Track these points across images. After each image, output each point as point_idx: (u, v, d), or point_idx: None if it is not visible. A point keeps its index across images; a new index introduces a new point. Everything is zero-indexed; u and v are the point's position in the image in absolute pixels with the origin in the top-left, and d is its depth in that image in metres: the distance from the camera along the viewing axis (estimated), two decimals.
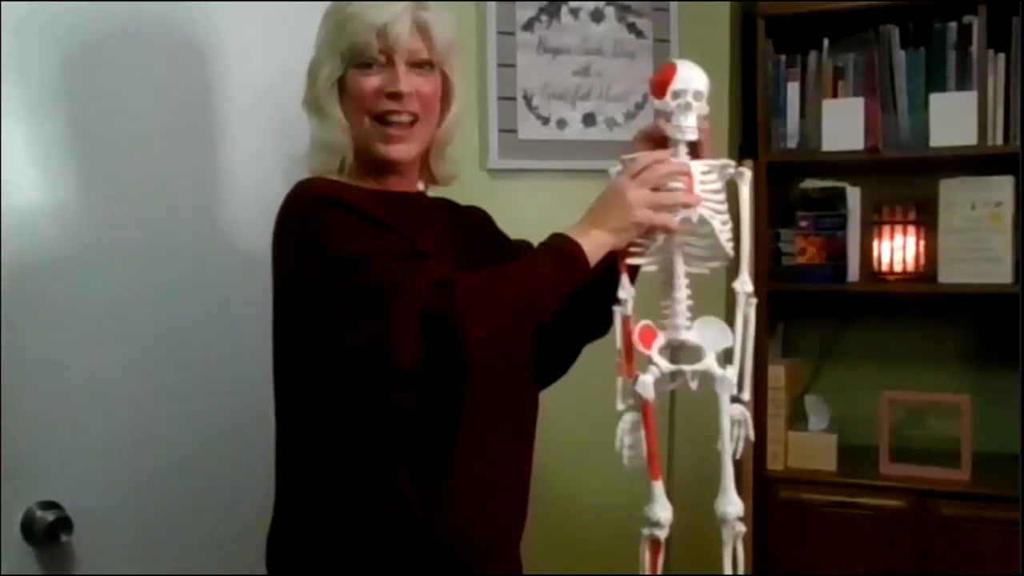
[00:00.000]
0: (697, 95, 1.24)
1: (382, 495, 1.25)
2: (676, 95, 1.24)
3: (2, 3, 1.37)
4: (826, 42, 2.53)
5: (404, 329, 1.11)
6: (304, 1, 1.36)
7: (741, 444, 1.26)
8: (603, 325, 1.38)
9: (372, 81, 1.29)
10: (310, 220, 1.22)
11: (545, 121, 2.38)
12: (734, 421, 1.24)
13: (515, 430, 1.38)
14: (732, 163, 1.28)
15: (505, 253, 1.36)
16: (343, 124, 1.31)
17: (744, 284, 1.26)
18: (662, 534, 1.21)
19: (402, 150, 1.32)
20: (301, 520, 1.31)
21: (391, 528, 1.25)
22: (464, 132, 2.28)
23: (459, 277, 1.16)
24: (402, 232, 1.23)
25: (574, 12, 2.39)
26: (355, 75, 1.29)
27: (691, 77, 1.25)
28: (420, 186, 1.43)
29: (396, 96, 1.28)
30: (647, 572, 1.22)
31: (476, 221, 1.47)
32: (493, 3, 2.33)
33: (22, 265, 1.40)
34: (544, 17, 2.37)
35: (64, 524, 1.42)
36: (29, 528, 1.40)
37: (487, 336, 1.13)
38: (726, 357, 1.25)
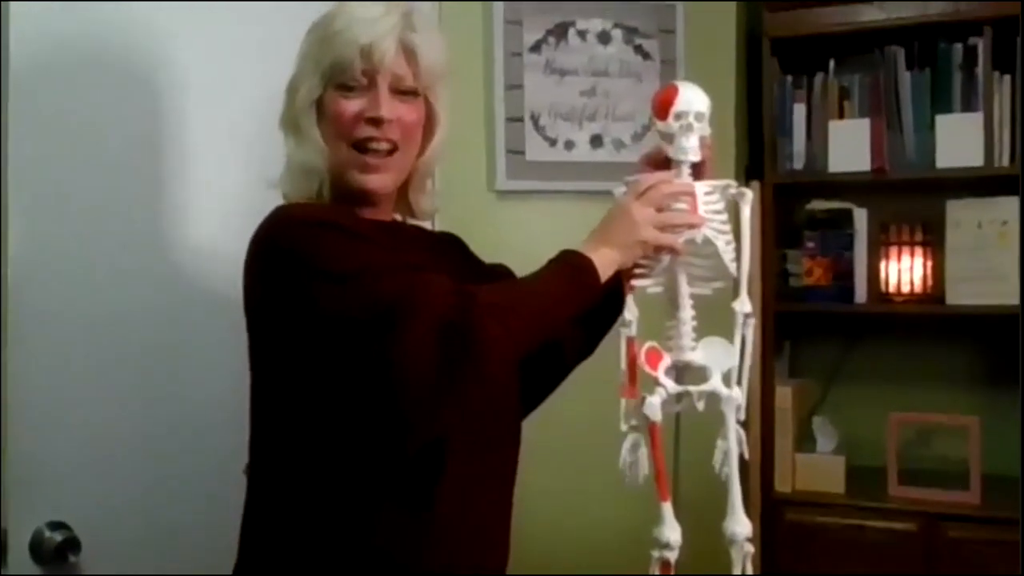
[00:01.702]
0: (699, 116, 1.25)
1: (365, 532, 1.19)
2: (678, 116, 1.24)
3: None
4: (832, 63, 2.54)
5: (422, 339, 1.07)
6: (273, 2, 1.32)
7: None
8: (590, 347, 1.39)
9: (352, 104, 1.23)
10: (299, 243, 1.15)
11: (552, 142, 2.39)
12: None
13: (500, 461, 1.34)
14: (734, 183, 1.28)
15: (484, 276, 1.34)
16: (321, 146, 1.24)
17: (743, 304, 1.26)
18: (672, 556, 1.20)
19: (379, 180, 1.25)
20: (273, 558, 1.24)
21: (372, 565, 1.20)
22: (471, 153, 2.33)
23: (475, 288, 1.13)
24: (393, 249, 1.20)
25: (581, 34, 2.40)
26: (335, 96, 1.23)
27: (693, 98, 1.25)
28: (397, 218, 1.38)
29: (376, 122, 1.22)
30: None
31: (451, 246, 1.44)
32: (501, 24, 2.35)
33: (28, 287, 1.41)
34: (551, 39, 2.39)
35: (72, 544, 1.42)
36: (37, 548, 1.41)
37: (505, 344, 1.11)
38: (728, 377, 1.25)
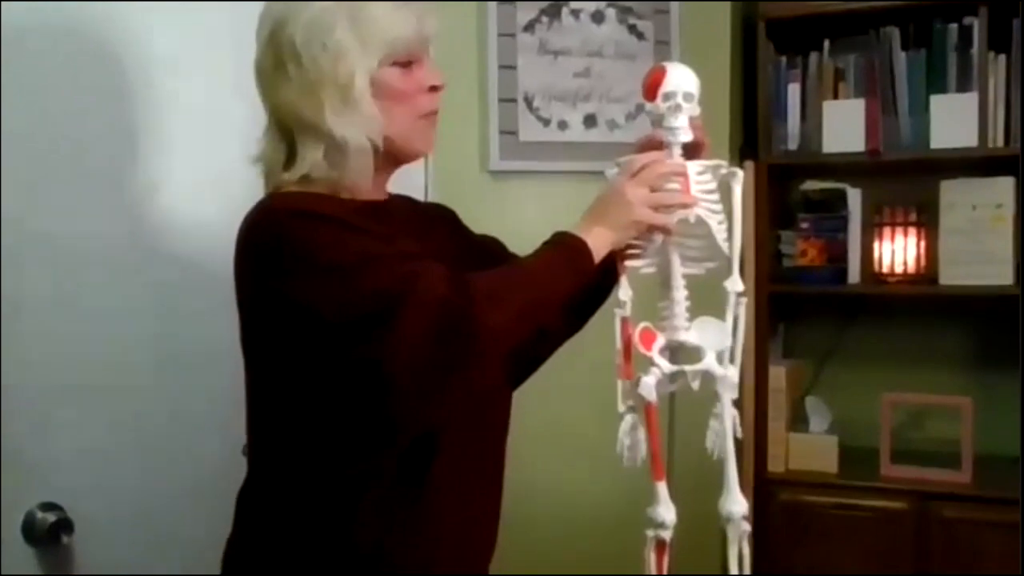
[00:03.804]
0: (687, 96, 1.25)
1: (355, 516, 1.20)
2: (666, 97, 1.25)
3: None
4: (827, 44, 2.54)
5: (419, 329, 1.07)
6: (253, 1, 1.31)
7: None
8: (578, 326, 1.40)
9: (415, 78, 1.25)
10: (285, 236, 1.15)
11: (546, 123, 2.38)
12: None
13: (491, 442, 1.35)
14: (725, 163, 1.28)
15: (474, 249, 1.35)
16: (381, 123, 1.23)
17: (735, 283, 1.26)
18: (667, 535, 1.21)
19: (432, 141, 1.30)
20: (268, 540, 1.25)
21: (363, 548, 1.21)
22: (465, 134, 2.32)
23: (470, 275, 1.13)
24: (384, 238, 1.19)
25: (575, 13, 2.39)
26: (394, 73, 1.23)
27: (681, 79, 1.25)
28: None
29: (437, 90, 1.27)
30: (653, 573, 1.22)
31: (442, 220, 1.43)
32: (494, 4, 2.33)
33: (20, 267, 1.40)
34: (545, 18, 2.38)
35: (65, 525, 1.42)
36: (30, 529, 1.40)
37: (501, 329, 1.11)
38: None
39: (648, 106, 1.27)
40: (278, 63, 1.23)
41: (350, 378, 1.13)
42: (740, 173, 1.28)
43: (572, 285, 1.21)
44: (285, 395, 1.23)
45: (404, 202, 1.39)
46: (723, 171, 1.27)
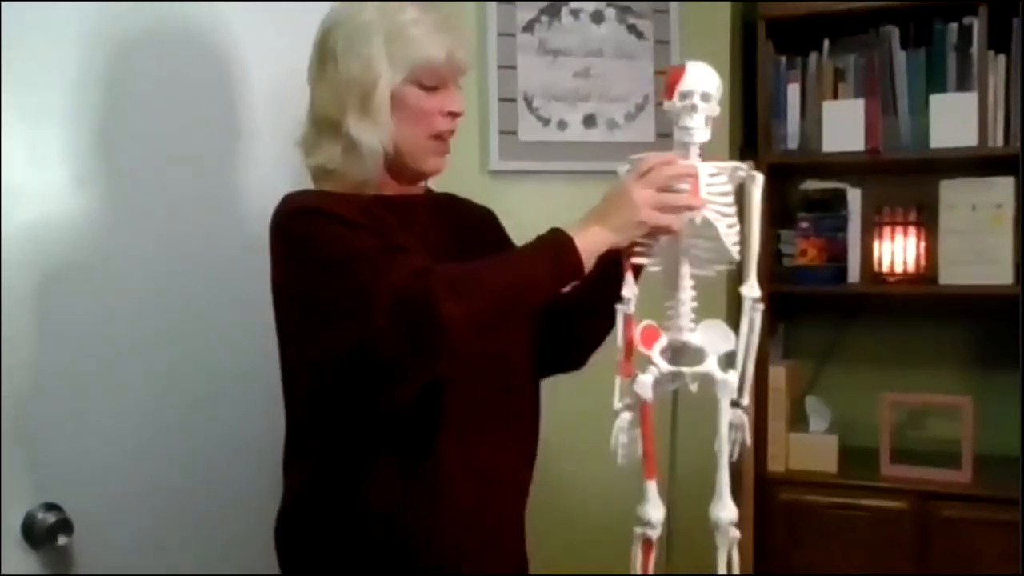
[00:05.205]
0: (705, 96, 1.23)
1: (367, 502, 1.30)
2: (683, 96, 1.23)
3: (2, 3, 1.37)
4: (826, 43, 2.53)
5: (381, 316, 1.14)
6: (317, 1, 1.38)
7: (738, 448, 1.26)
8: (602, 325, 1.40)
9: (434, 101, 1.34)
10: (292, 232, 1.28)
11: (546, 123, 2.38)
12: (733, 425, 1.23)
13: (505, 421, 1.39)
14: (743, 166, 1.26)
15: (504, 250, 1.38)
16: (393, 135, 1.33)
17: (751, 289, 1.25)
18: (654, 533, 1.22)
19: (446, 161, 1.40)
20: (301, 508, 1.36)
21: (376, 532, 1.30)
22: (464, 134, 2.29)
23: (438, 265, 1.19)
24: (384, 233, 1.27)
25: (574, 13, 2.39)
26: (416, 92, 1.33)
27: (699, 79, 1.24)
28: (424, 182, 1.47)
29: (455, 115, 1.36)
30: (639, 571, 1.22)
31: (479, 219, 1.50)
32: (493, 4, 2.33)
33: (24, 268, 1.40)
34: (544, 18, 2.37)
35: (64, 526, 1.42)
36: (30, 530, 1.40)
37: (463, 318, 1.15)
38: (727, 360, 1.24)
39: (665, 104, 1.26)
40: (321, 62, 1.36)
41: (345, 357, 1.21)
42: (760, 177, 1.25)
43: (552, 279, 1.24)
44: (301, 373, 1.35)
45: (440, 199, 1.48)
46: (741, 173, 1.26)
